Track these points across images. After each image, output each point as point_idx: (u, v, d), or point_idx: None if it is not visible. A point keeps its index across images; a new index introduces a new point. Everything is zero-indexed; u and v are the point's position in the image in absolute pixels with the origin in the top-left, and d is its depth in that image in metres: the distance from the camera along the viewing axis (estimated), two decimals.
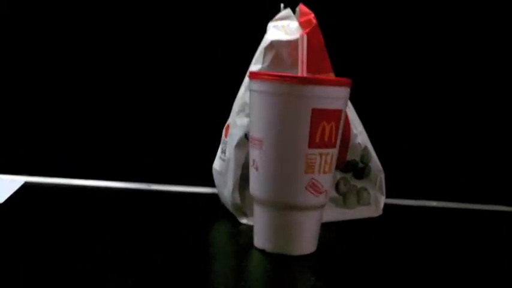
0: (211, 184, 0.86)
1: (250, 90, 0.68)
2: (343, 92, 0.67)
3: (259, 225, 0.70)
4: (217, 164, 0.84)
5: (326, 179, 0.68)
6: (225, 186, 0.81)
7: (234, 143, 0.78)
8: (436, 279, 0.66)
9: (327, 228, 0.71)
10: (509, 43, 1.01)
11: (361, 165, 0.84)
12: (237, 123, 0.79)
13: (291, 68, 0.76)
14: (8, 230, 0.70)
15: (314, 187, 0.66)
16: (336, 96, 0.66)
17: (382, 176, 0.87)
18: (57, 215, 0.77)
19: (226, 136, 0.82)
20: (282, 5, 0.80)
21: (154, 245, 0.68)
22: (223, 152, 0.82)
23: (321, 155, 0.66)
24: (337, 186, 0.83)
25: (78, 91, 0.99)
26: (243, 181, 0.79)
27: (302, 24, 0.77)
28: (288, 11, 0.79)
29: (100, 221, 0.76)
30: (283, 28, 0.77)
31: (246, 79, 0.80)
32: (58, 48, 0.98)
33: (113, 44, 0.98)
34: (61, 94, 0.98)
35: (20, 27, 0.97)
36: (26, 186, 0.88)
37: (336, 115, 0.66)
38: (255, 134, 0.68)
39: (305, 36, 0.71)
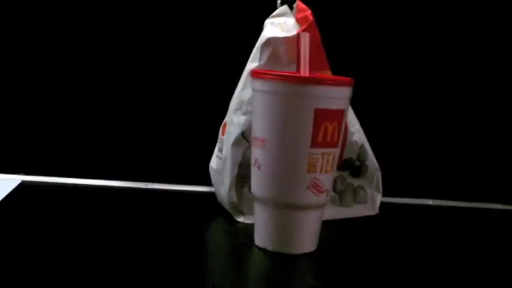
0: (208, 183, 0.86)
1: (253, 90, 0.68)
2: (346, 91, 0.67)
3: (260, 224, 0.70)
4: (214, 162, 0.84)
5: (327, 179, 0.68)
6: (221, 185, 0.81)
7: (231, 141, 0.78)
8: (433, 277, 0.66)
9: (324, 227, 0.71)
10: (507, 42, 1.01)
11: (357, 163, 0.84)
12: (233, 121, 0.79)
13: (288, 65, 0.76)
14: (5, 230, 0.70)
15: (316, 186, 0.66)
16: (339, 96, 0.66)
17: (379, 174, 0.87)
18: (55, 214, 0.76)
19: (223, 134, 0.82)
20: (278, 2, 0.80)
21: (152, 244, 0.68)
22: (220, 150, 0.82)
23: (323, 154, 0.66)
24: (333, 185, 0.83)
25: (76, 90, 0.98)
26: (239, 179, 0.79)
27: (299, 21, 0.77)
28: (285, 7, 0.79)
29: (97, 220, 0.76)
30: (280, 25, 0.78)
31: (243, 77, 0.80)
32: (56, 46, 0.97)
33: (110, 43, 0.98)
34: (59, 93, 0.98)
35: (20, 27, 0.97)
36: (23, 185, 0.88)
37: (339, 115, 0.67)
38: (257, 133, 0.68)
39: (307, 34, 0.71)
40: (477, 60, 1.01)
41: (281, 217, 0.68)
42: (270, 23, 0.78)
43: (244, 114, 0.78)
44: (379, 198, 0.88)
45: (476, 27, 1.00)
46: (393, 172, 0.89)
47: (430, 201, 0.97)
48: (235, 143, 0.78)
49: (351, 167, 0.84)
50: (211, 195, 0.86)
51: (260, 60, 0.77)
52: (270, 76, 0.66)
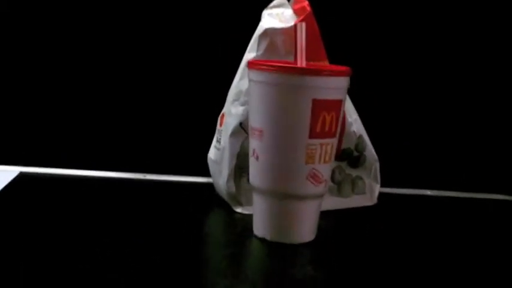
0: (207, 174, 0.86)
1: (250, 80, 0.68)
2: (344, 82, 0.67)
3: (259, 214, 0.70)
4: (212, 153, 0.84)
5: (326, 169, 0.68)
6: (220, 175, 0.81)
7: (229, 132, 0.78)
8: (431, 268, 0.66)
9: (322, 217, 0.71)
10: (502, 34, 1.01)
11: (356, 153, 0.84)
12: (231, 112, 0.79)
13: (285, 56, 0.76)
14: (3, 220, 0.70)
15: (314, 177, 0.67)
16: (337, 86, 0.66)
17: (377, 164, 0.87)
18: (53, 205, 0.77)
19: (221, 125, 0.82)
20: None
21: (150, 234, 0.68)
22: (218, 141, 0.82)
23: (321, 145, 0.66)
24: (332, 175, 0.83)
25: (74, 82, 0.98)
26: (238, 170, 0.79)
27: (296, 12, 0.77)
28: None
29: (95, 211, 0.76)
30: (278, 16, 0.77)
31: (241, 67, 0.80)
32: (53, 40, 0.98)
33: (108, 35, 0.98)
34: (57, 85, 0.98)
35: (20, 26, 0.97)
36: (21, 176, 0.88)
37: (337, 105, 0.66)
38: (254, 124, 0.68)
39: (303, 24, 0.71)
40: (477, 52, 1.01)
41: (280, 207, 0.68)
42: (268, 14, 0.78)
43: (242, 104, 0.78)
44: (377, 189, 0.88)
45: (475, 21, 1.00)
46: (392, 162, 0.89)
47: (428, 192, 0.97)
48: (234, 134, 0.78)
49: (349, 157, 0.84)
50: (210, 186, 0.86)
51: (257, 51, 0.77)
52: (267, 67, 0.66)
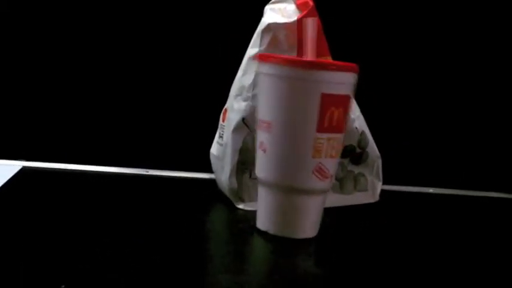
0: (209, 170, 0.86)
1: (260, 73, 0.68)
2: (352, 77, 0.67)
3: (263, 207, 0.70)
4: (214, 149, 0.84)
5: (332, 164, 0.68)
6: (222, 171, 0.81)
7: (232, 127, 0.78)
8: (432, 265, 0.66)
9: (324, 214, 0.71)
10: (501, 34, 1.01)
11: (358, 150, 0.84)
12: (234, 107, 0.79)
13: (288, 51, 0.76)
14: (5, 215, 0.70)
15: (320, 171, 0.67)
16: (346, 81, 0.67)
17: (379, 161, 0.87)
18: (55, 200, 0.77)
19: (223, 120, 0.82)
20: None
21: (153, 230, 0.68)
22: (221, 136, 0.82)
23: (328, 139, 0.66)
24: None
25: (76, 77, 0.99)
26: (240, 166, 0.79)
27: (299, 7, 0.77)
28: None
29: (98, 206, 0.76)
30: (280, 11, 0.78)
31: (244, 63, 0.80)
32: (55, 36, 0.98)
33: (108, 29, 0.98)
34: (58, 80, 0.98)
35: (20, 26, 0.97)
36: (23, 171, 0.88)
37: (345, 100, 0.67)
38: (263, 116, 0.68)
39: (314, 19, 0.71)
40: (478, 50, 1.00)
41: (284, 201, 0.68)
42: (270, 9, 0.78)
43: (244, 100, 0.78)
44: (379, 186, 0.88)
45: (476, 20, 1.00)
46: (394, 160, 0.89)
47: (430, 189, 0.97)
48: (236, 129, 0.78)
49: (352, 154, 0.84)
50: (212, 182, 0.86)
51: (260, 46, 0.77)
52: (278, 60, 0.66)
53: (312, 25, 0.71)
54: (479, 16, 1.00)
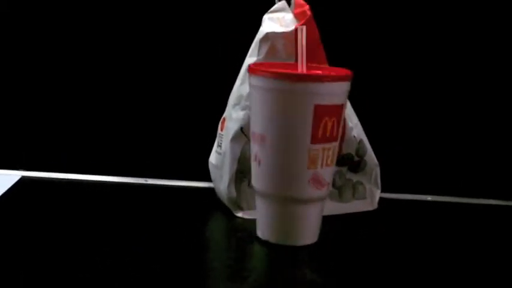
0: (208, 178, 0.86)
1: (251, 86, 0.68)
2: (345, 86, 0.67)
3: (262, 217, 0.70)
4: (213, 158, 0.84)
5: (328, 172, 0.68)
6: (220, 180, 0.81)
7: (230, 137, 0.78)
8: (431, 273, 0.66)
9: (323, 222, 0.71)
10: (502, 34, 1.01)
11: (356, 158, 0.84)
12: (232, 116, 0.79)
13: (286, 60, 0.76)
14: (4, 225, 0.70)
15: (317, 181, 0.67)
16: (338, 91, 0.67)
17: (378, 169, 0.87)
18: (54, 210, 0.77)
19: (222, 129, 0.82)
20: None
21: (152, 239, 0.68)
22: (219, 145, 0.82)
23: (323, 149, 0.66)
24: (332, 180, 0.83)
25: (75, 86, 0.99)
26: (239, 175, 0.79)
27: (297, 16, 0.77)
28: (283, 3, 0.79)
29: (97, 215, 0.76)
30: (278, 20, 0.78)
31: (242, 72, 0.80)
32: (54, 44, 0.98)
33: (108, 38, 0.98)
34: (58, 89, 0.98)
35: (20, 27, 0.97)
36: (22, 180, 0.88)
37: (338, 110, 0.67)
38: (256, 129, 0.68)
39: (304, 28, 0.71)
40: (476, 58, 1.01)
41: (282, 210, 0.68)
42: (268, 18, 0.79)
43: (243, 109, 0.78)
44: (378, 194, 0.87)
45: (472, 27, 1.00)
46: (392, 168, 0.89)
47: (429, 197, 0.97)
48: (234, 138, 0.78)
49: (350, 162, 0.84)
50: (211, 191, 0.86)
51: (258, 55, 0.77)
52: (268, 73, 0.66)
53: (301, 33, 0.71)
54: (476, 24, 1.00)
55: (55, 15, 0.97)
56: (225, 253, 0.68)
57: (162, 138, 0.99)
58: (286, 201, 0.68)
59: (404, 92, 1.00)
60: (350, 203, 0.85)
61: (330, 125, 0.66)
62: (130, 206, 0.81)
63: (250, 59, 0.78)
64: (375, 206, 0.87)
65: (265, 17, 0.79)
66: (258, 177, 0.69)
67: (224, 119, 0.82)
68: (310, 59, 0.71)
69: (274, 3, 0.80)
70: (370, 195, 0.87)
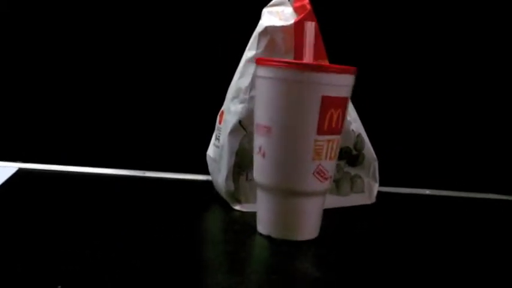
0: (206, 171, 0.86)
1: (258, 77, 0.68)
2: (352, 79, 0.67)
3: (264, 212, 0.70)
4: (211, 151, 0.84)
5: (331, 165, 0.68)
6: (218, 173, 0.81)
7: (228, 130, 0.78)
8: (429, 267, 0.66)
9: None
10: (500, 32, 1.01)
11: (354, 152, 0.84)
12: (231, 109, 0.79)
13: (285, 54, 0.76)
14: (1, 217, 0.70)
15: (321, 173, 0.67)
16: (345, 83, 0.67)
17: (376, 163, 0.87)
18: (51, 202, 0.77)
19: (220, 123, 0.82)
20: None
21: (149, 232, 0.68)
22: (218, 138, 0.82)
23: (328, 141, 0.66)
24: None
25: (73, 79, 0.99)
26: (236, 168, 0.79)
27: (296, 10, 0.77)
28: None
29: (94, 208, 0.76)
30: (278, 14, 0.78)
31: (241, 65, 0.80)
32: (53, 39, 0.98)
33: (106, 33, 0.98)
34: (55, 82, 0.98)
35: (20, 26, 0.97)
36: (19, 172, 0.88)
37: (343, 102, 0.67)
38: (261, 120, 0.67)
39: (313, 23, 0.71)
40: (476, 52, 1.01)
41: (285, 204, 0.68)
42: (268, 12, 0.78)
43: (241, 102, 0.78)
44: (376, 188, 0.88)
45: (473, 23, 1.00)
46: (390, 161, 0.89)
47: (427, 191, 0.97)
48: (233, 132, 0.78)
49: (348, 156, 0.84)
50: (209, 184, 0.86)
51: (257, 48, 0.77)
52: (278, 63, 0.66)
53: (309, 28, 0.71)
54: (476, 22, 1.00)
55: (53, 13, 0.97)
56: (223, 246, 0.68)
57: (160, 131, 0.99)
58: (289, 195, 0.67)
59: (403, 86, 1.00)
60: (348, 196, 0.85)
61: (335, 117, 0.66)
62: (128, 198, 0.81)
63: (249, 52, 0.78)
64: (373, 199, 0.87)
65: (265, 10, 0.79)
66: (262, 170, 0.68)
67: (222, 112, 0.82)
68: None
69: None
70: (368, 189, 0.87)
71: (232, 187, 0.79)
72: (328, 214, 0.74)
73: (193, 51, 0.98)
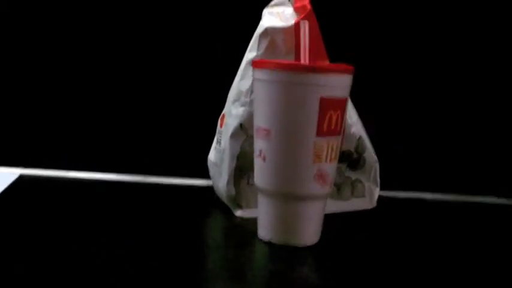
0: (207, 176, 0.86)
1: (256, 80, 0.68)
2: (349, 80, 0.67)
3: (265, 216, 0.69)
4: (212, 155, 0.83)
5: (332, 168, 0.68)
6: (220, 177, 0.81)
7: (229, 133, 0.78)
8: (430, 271, 0.65)
9: None
10: (500, 33, 1.01)
11: (355, 155, 0.84)
12: (232, 112, 0.79)
13: (286, 55, 0.76)
14: (3, 223, 0.70)
15: (322, 176, 0.67)
16: (343, 84, 0.67)
17: (377, 166, 0.87)
18: (53, 208, 0.76)
19: (221, 126, 0.82)
20: None
21: (150, 237, 0.68)
22: (219, 142, 0.82)
23: (328, 143, 0.66)
24: None
25: (74, 84, 0.99)
26: (238, 172, 0.78)
27: (297, 10, 0.77)
28: None
29: (95, 213, 0.75)
30: (278, 15, 0.78)
31: (242, 68, 0.80)
32: (54, 42, 0.98)
33: (107, 36, 0.98)
34: (57, 87, 0.99)
35: (20, 27, 0.98)
36: (21, 178, 0.88)
37: (342, 103, 0.67)
38: (261, 123, 0.67)
39: (306, 22, 0.71)
40: (476, 55, 1.01)
41: (286, 209, 0.68)
42: (268, 13, 0.79)
43: (242, 105, 0.78)
44: (377, 192, 0.87)
45: (473, 25, 1.00)
46: (391, 165, 0.89)
47: (428, 195, 0.97)
48: (234, 135, 0.78)
49: (349, 159, 0.84)
50: (210, 189, 0.85)
51: (258, 50, 0.77)
52: (275, 65, 0.66)
53: (304, 27, 0.71)
54: (476, 23, 1.00)
55: (54, 14, 0.97)
56: (224, 252, 0.68)
57: (161, 136, 0.99)
58: (291, 199, 0.67)
59: (404, 89, 1.00)
60: (349, 201, 0.85)
61: (334, 118, 0.66)
62: (129, 203, 0.81)
63: (250, 54, 0.78)
64: (374, 204, 0.87)
65: (265, 11, 0.79)
66: (262, 174, 0.68)
67: (223, 115, 0.82)
68: (310, 54, 0.71)
69: None
70: (369, 193, 0.87)
71: (233, 191, 0.79)
72: (329, 218, 0.73)
73: (193, 53, 0.98)
